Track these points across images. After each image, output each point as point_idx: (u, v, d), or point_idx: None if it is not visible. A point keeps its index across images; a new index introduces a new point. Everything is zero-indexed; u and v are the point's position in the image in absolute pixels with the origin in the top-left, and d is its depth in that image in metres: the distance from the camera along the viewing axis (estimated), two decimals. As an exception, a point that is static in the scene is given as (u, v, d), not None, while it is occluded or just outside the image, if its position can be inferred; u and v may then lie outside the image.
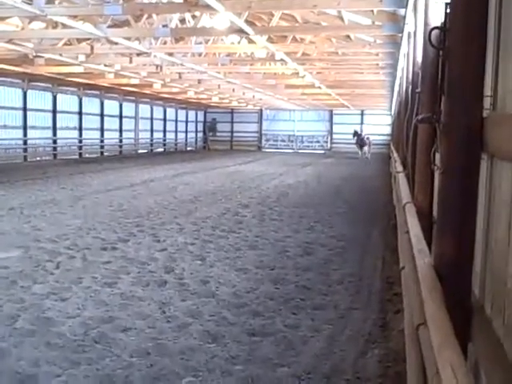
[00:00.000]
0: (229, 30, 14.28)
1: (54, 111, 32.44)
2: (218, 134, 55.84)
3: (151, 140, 45.83)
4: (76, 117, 34.76)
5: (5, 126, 28.79)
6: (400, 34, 12.85)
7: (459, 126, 2.92)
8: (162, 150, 47.61)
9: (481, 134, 2.82)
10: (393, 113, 34.48)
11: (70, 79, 27.40)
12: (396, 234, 8.45)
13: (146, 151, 44.31)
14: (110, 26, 15.11)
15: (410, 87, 9.40)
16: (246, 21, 13.53)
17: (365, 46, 17.25)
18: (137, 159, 35.12)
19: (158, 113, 46.74)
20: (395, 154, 17.34)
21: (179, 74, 24.77)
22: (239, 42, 19.56)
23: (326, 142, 52.32)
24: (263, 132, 54.69)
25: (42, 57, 19.45)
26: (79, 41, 18.62)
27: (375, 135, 48.78)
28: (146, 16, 16.07)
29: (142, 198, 16.01)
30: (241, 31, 13.72)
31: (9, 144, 29.39)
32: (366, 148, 42.36)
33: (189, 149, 52.50)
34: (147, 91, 34.15)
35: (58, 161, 31.47)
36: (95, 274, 7.50)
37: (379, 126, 49.18)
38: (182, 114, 51.59)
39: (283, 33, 17.20)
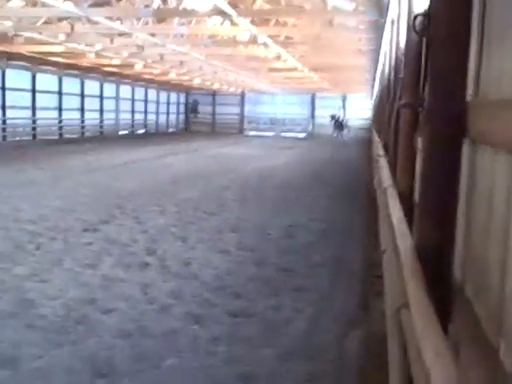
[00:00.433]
0: (212, 12, 14.19)
1: (34, 91, 31.97)
2: (199, 116, 55.52)
3: (132, 121, 45.45)
4: (56, 97, 34.28)
5: (-17, 106, 28.39)
6: (383, 20, 12.85)
7: (442, 111, 2.95)
8: (143, 131, 47.25)
9: (463, 120, 2.85)
10: (374, 97, 34.56)
11: (49, 58, 27.05)
12: (377, 217, 8.52)
13: (126, 132, 43.92)
14: (91, 5, 14.95)
15: (393, 72, 9.44)
16: (229, 3, 13.45)
17: (347, 30, 17.24)
18: (118, 140, 34.87)
19: (140, 94, 46.30)
20: (376, 138, 17.42)
21: (161, 55, 24.55)
22: (222, 24, 19.42)
23: (308, 126, 52.29)
24: (245, 115, 54.48)
25: (22, 35, 19.18)
26: (59, 19, 18.37)
27: (356, 119, 49.16)
28: (127, -5, 15.91)
29: (123, 179, 15.93)
30: (224, 13, 13.65)
31: (-13, 124, 28.99)
32: (345, 130, 43.31)
33: (170, 130, 52.17)
34: (128, 72, 33.85)
35: (37, 141, 31.10)
36: (76, 256, 7.48)
37: (361, 109, 49.25)
38: (163, 96, 51.16)
39: (266, 15, 17.14)
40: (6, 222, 9.46)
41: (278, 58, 23.54)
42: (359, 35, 17.87)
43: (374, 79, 29.48)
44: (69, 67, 32.30)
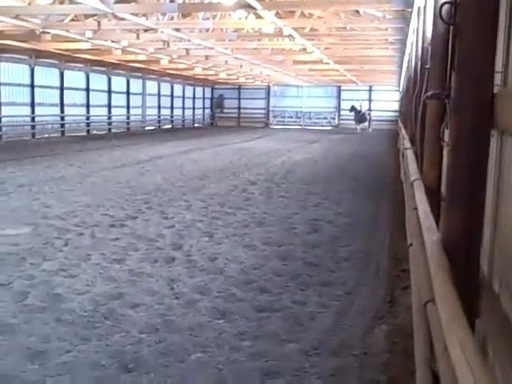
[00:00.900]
0: (236, 5, 14.16)
1: (62, 88, 32.32)
2: (225, 110, 55.62)
3: (158, 116, 45.72)
4: (83, 93, 34.63)
5: (13, 103, 28.72)
6: (410, 9, 12.69)
7: (469, 102, 2.89)
8: (169, 126, 47.50)
9: (491, 111, 2.79)
10: (401, 89, 34.22)
11: (77, 55, 27.30)
12: (404, 211, 8.43)
13: (153, 128, 44.24)
14: (116, 2, 15.01)
15: (419, 63, 9.31)
16: (254, -4, 13.40)
17: (374, 21, 17.07)
18: (144, 136, 35.10)
19: (165, 89, 46.55)
20: (403, 131, 17.25)
21: (186, 50, 24.61)
22: (247, 18, 19.37)
23: (334, 119, 52.00)
24: (271, 108, 54.40)
25: (49, 33, 19.35)
26: (86, 17, 18.51)
27: (383, 111, 48.80)
28: (153, -9, 15.96)
29: (149, 174, 16.03)
30: (248, 6, 13.60)
31: (17, 121, 29.36)
32: (366, 123, 42.97)
33: (196, 125, 52.39)
34: (154, 67, 34.05)
35: (65, 138, 31.47)
36: (104, 251, 7.54)
37: (387, 102, 48.85)
38: (189, 91, 51.37)
39: (291, 8, 17.02)
40: (35, 218, 9.59)
41: (304, 50, 23.46)
42: (385, 25, 17.68)
43: (400, 70, 29.20)
44: (95, 64, 32.62)
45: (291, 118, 53.51)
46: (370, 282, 6.50)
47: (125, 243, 8.01)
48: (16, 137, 28.79)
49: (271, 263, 7.19)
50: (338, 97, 52.12)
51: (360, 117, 44.21)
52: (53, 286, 6.08)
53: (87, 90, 34.84)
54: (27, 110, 29.76)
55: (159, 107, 45.56)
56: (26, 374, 4.08)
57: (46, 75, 31.16)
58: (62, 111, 32.46)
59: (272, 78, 42.62)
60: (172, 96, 47.76)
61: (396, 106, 45.69)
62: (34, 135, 30.09)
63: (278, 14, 17.04)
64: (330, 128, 49.93)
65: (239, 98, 54.88)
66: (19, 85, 29.12)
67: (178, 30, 19.21)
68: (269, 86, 53.46)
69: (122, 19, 16.72)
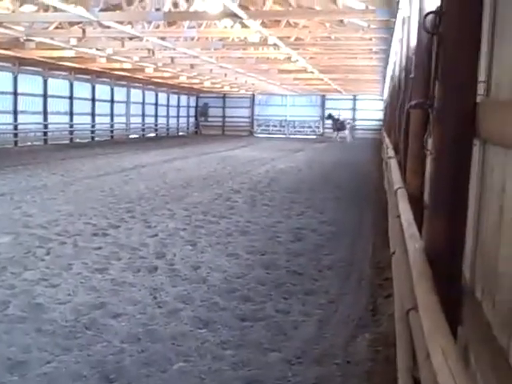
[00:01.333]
0: (222, 15, 14.18)
1: (45, 96, 32.14)
2: (209, 119, 55.61)
3: (143, 125, 45.58)
4: (67, 101, 34.45)
5: (-5, 111, 28.54)
6: (394, 19, 12.79)
7: (452, 111, 2.91)
8: (153, 135, 47.36)
9: (474, 120, 2.81)
10: (385, 98, 34.46)
11: (61, 63, 27.15)
12: (387, 219, 8.46)
13: (137, 136, 44.08)
14: (102, 10, 14.96)
15: (404, 73, 9.39)
16: (240, 5, 13.45)
17: (358, 30, 17.18)
18: (128, 144, 34.97)
19: (150, 97, 46.45)
20: (387, 140, 17.35)
21: (171, 58, 24.59)
22: (232, 27, 19.42)
23: (318, 127, 52.16)
24: (255, 117, 54.47)
25: (33, 40, 19.26)
26: (71, 24, 18.43)
27: (367, 120, 49.09)
28: (138, -1, 15.94)
29: (133, 183, 15.96)
30: (234, 15, 13.63)
31: (-1, 129, 29.16)
32: (346, 132, 43.24)
33: (180, 134, 52.27)
34: (139, 76, 33.95)
35: (48, 146, 31.25)
36: (86, 260, 7.47)
37: (371, 111, 49.16)
38: (173, 99, 51.32)
39: (277, 17, 17.12)
40: (16, 226, 9.49)
41: (289, 59, 23.55)
42: (370, 35, 17.80)
43: (384, 80, 29.40)
44: (80, 72, 32.45)
45: (275, 126, 53.61)
46: (352, 291, 6.50)
47: (107, 252, 7.95)
48: (-2, 145, 28.56)
49: (254, 272, 7.17)
50: (323, 106, 52.31)
51: (339, 125, 44.50)
52: (34, 295, 6.00)
53: (71, 98, 34.66)
54: (10, 118, 29.53)
55: (143, 115, 45.44)
56: (5, 385, 4.01)
57: (30, 83, 30.95)
58: (46, 119, 32.25)
59: (257, 86, 42.72)
60: (156, 104, 47.68)
61: (380, 115, 45.96)
62: (16, 143, 29.83)
63: (263, 24, 17.09)
64: (314, 137, 50.07)
65: (224, 107, 54.90)
66: (2, 92, 28.90)
67: (163, 38, 19.21)
68: (253, 95, 53.56)
69: (107, 27, 16.67)
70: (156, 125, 48.03)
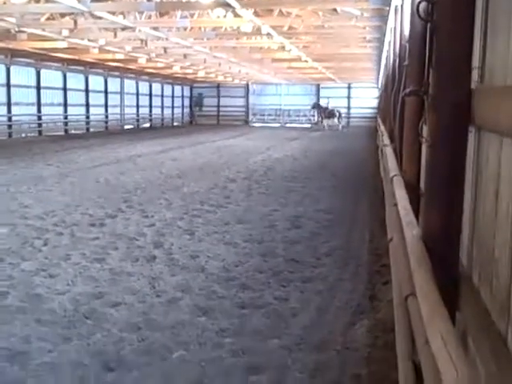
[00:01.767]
0: (214, 4, 14.14)
1: (39, 87, 32.02)
2: (204, 108, 55.51)
3: (137, 115, 45.49)
4: (61, 93, 34.34)
5: (-12, 103, 28.43)
6: (387, 7, 12.78)
7: (447, 98, 2.93)
8: (148, 125, 47.29)
9: (468, 107, 2.83)
10: (380, 86, 34.42)
11: (53, 54, 27.04)
12: (383, 207, 8.50)
13: (132, 127, 44.00)
14: (93, 0, 14.90)
15: (398, 60, 9.39)
16: (232, -6, 13.39)
17: (351, 19, 17.15)
18: (123, 135, 34.89)
19: (144, 88, 46.33)
20: (382, 127, 17.36)
21: (164, 48, 24.50)
22: (225, 16, 19.35)
23: (314, 116, 52.15)
24: (250, 106, 54.42)
25: (25, 32, 19.16)
26: (62, 15, 18.36)
27: (362, 108, 49.11)
28: (130, -11, 15.86)
29: (129, 173, 15.95)
30: (226, 5, 13.60)
31: (-7, 121, 29.03)
32: (335, 120, 43.28)
33: (175, 124, 52.19)
34: (132, 66, 33.82)
35: (43, 137, 31.17)
36: (84, 251, 7.49)
37: (366, 99, 49.16)
38: (168, 89, 51.19)
39: (269, 6, 17.05)
40: (13, 218, 9.49)
41: (282, 48, 23.50)
42: (363, 23, 17.77)
43: (379, 68, 29.37)
44: (73, 63, 32.32)
45: (271, 115, 53.59)
46: (350, 278, 6.54)
47: (105, 242, 7.97)
48: (-8, 137, 28.46)
49: (252, 260, 7.21)
50: (317, 94, 52.24)
51: (328, 113, 44.49)
52: (33, 286, 6.02)
53: (64, 89, 34.55)
54: (3, 110, 29.42)
55: (138, 106, 45.33)
56: (6, 376, 4.04)
57: (23, 74, 30.83)
58: (39, 111, 32.16)
59: (251, 76, 42.62)
60: (151, 95, 47.54)
61: (375, 103, 45.96)
62: (10, 135, 29.76)
63: (256, 13, 17.03)
64: (309, 125, 50.04)
65: (218, 97, 54.79)
66: (-6, 84, 28.78)
67: (155, 28, 19.15)
68: (248, 84, 53.44)
69: (99, 18, 16.61)
70: (150, 115, 47.91)
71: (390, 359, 3.74)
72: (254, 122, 53.19)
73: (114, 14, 16.66)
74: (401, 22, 8.66)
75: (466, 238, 3.08)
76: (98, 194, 12.06)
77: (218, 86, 54.07)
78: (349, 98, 50.80)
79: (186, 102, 55.87)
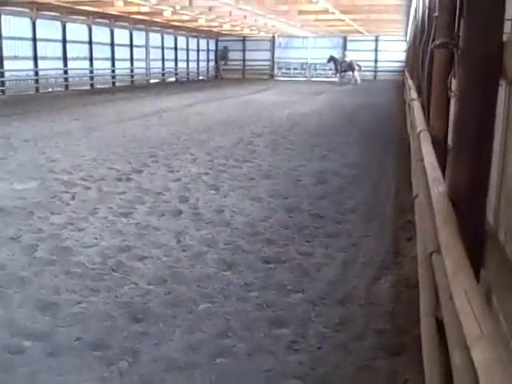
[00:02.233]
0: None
1: (64, 41, 31.97)
2: (229, 62, 55.01)
3: (163, 69, 45.30)
4: (86, 47, 34.25)
5: (15, 57, 28.47)
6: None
7: (478, 50, 2.85)
8: (173, 79, 47.12)
9: (500, 60, 2.75)
10: (408, 39, 33.68)
11: (78, 7, 26.89)
12: (410, 162, 8.42)
13: (157, 81, 43.89)
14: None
15: (427, 11, 9.14)
16: None
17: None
18: (149, 89, 34.83)
19: (169, 42, 45.96)
20: (410, 81, 17.06)
21: (189, 0, 24.19)
22: (250, -34, 19.01)
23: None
24: (276, 60, 53.77)
25: (50, -16, 19.06)
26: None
27: (390, 62, 48.21)
28: None
29: (154, 128, 15.98)
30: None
31: (20, 75, 29.14)
32: (356, 73, 42.53)
33: (200, 78, 51.89)
34: (158, 19, 33.51)
35: (69, 92, 31.31)
36: (111, 205, 7.59)
37: (394, 52, 48.20)
38: (193, 43, 50.72)
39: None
40: (41, 172, 9.62)
41: (309, 0, 23.02)
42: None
43: (408, 20, 28.69)
44: (98, 16, 32.12)
45: (296, 69, 52.89)
46: (375, 233, 6.54)
47: (131, 197, 8.05)
48: (20, 91, 28.64)
49: (277, 215, 7.23)
50: (344, 47, 51.32)
51: (346, 66, 43.70)
52: (61, 239, 6.13)
53: (90, 43, 34.42)
54: (30, 64, 29.50)
55: (163, 60, 45.07)
56: (38, 325, 4.16)
57: (48, 28, 30.76)
58: (66, 65, 32.18)
59: (277, 28, 41.95)
60: (176, 48, 47.16)
61: (403, 56, 45.07)
62: (37, 89, 29.92)
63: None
64: (336, 79, 49.34)
65: (244, 50, 54.16)
66: (21, 38, 28.77)
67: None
68: (273, 38, 52.66)
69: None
70: (176, 69, 47.65)
71: (414, 315, 3.76)
72: (280, 76, 52.60)
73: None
74: (432, -29, 8.39)
75: (493, 194, 3.05)
76: (124, 149, 12.13)
77: (244, 40, 53.39)
78: (376, 51, 49.83)
79: (212, 55, 55.36)
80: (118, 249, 5.85)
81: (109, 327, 4.14)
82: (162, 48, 44.80)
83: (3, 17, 27.18)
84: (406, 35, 39.46)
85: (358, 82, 42.43)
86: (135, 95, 29.27)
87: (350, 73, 43.42)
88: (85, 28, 33.89)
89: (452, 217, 2.76)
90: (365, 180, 9.41)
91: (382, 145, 13.33)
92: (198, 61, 51.96)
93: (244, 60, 54.33)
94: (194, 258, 5.62)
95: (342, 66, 43.72)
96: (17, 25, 28.46)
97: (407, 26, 31.62)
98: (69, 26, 32.10)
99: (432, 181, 3.62)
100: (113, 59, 37.14)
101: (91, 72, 34.92)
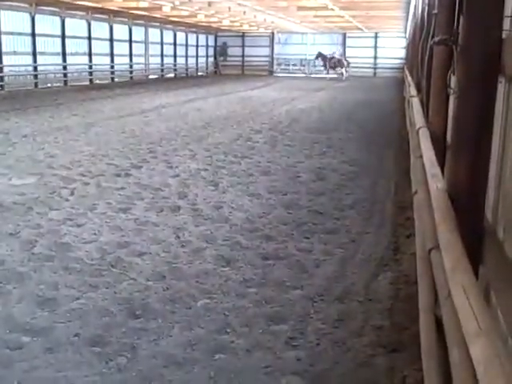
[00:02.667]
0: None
1: (63, 36, 31.89)
2: (228, 58, 54.95)
3: (162, 65, 45.23)
4: (85, 42, 34.18)
5: (14, 53, 28.41)
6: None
7: (477, 47, 2.85)
8: (172, 75, 47.05)
9: (499, 57, 2.75)
10: (408, 35, 33.65)
11: (78, 3, 26.83)
12: (409, 159, 8.42)
13: (156, 77, 43.82)
14: None
15: (427, 8, 9.14)
16: None
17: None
18: (148, 85, 34.76)
19: (168, 37, 45.88)
20: (409, 78, 17.05)
21: (189, -4, 24.16)
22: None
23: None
24: (275, 56, 53.72)
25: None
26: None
27: (389, 58, 48.19)
28: None
29: (153, 124, 15.97)
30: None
31: (19, 70, 29.09)
32: (343, 69, 42.95)
33: (200, 74, 51.81)
34: (157, 15, 33.44)
35: (68, 87, 31.26)
36: (109, 200, 7.58)
37: (394, 49, 48.16)
38: (192, 39, 50.64)
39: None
40: (40, 167, 9.61)
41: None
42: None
43: (407, 17, 28.66)
44: (97, 11, 32.04)
45: (295, 65, 52.83)
46: (374, 230, 6.54)
47: (130, 192, 8.05)
48: (19, 86, 28.58)
49: (276, 212, 7.23)
50: (344, 44, 51.30)
51: (336, 62, 44.06)
52: (60, 235, 6.13)
53: (89, 38, 34.35)
54: (29, 59, 29.45)
55: (162, 55, 45.00)
56: (37, 320, 4.16)
57: (47, 23, 30.68)
58: (65, 60, 32.12)
59: (276, 24, 41.89)
60: (175, 44, 47.08)
61: (402, 53, 45.05)
62: (36, 85, 29.86)
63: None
64: (335, 76, 49.29)
65: (243, 46, 54.11)
66: (20, 33, 28.71)
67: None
68: (273, 34, 52.61)
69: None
70: (175, 65, 47.59)
71: (413, 311, 3.77)
72: (279, 72, 52.54)
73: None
74: (431, -33, 8.38)
75: (491, 191, 3.05)
76: (123, 145, 12.12)
77: (243, 35, 53.33)
78: (375, 47, 49.80)
79: (211, 51, 55.28)
80: (117, 244, 5.85)
81: (107, 323, 4.14)
82: (161, 44, 44.73)
83: (2, 12, 27.12)
84: (405, 32, 39.42)
85: (344, 76, 42.72)
86: (134, 91, 29.23)
87: (342, 69, 43.85)
88: (84, 23, 33.82)
89: (451, 213, 2.77)
90: (364, 177, 9.41)
91: (382, 141, 13.33)
92: (197, 56, 51.89)
93: (243, 56, 54.27)
94: (192, 254, 5.61)
95: (332, 62, 44.02)
96: (16, 20, 28.38)
97: (407, 22, 31.59)
98: (68, 21, 32.02)
99: (431, 177, 3.63)
100: (112, 55, 37.08)
101: (90, 67, 34.87)
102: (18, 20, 28.56)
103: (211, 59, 55.34)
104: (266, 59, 53.90)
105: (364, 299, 4.59)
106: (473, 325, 1.73)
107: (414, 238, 5.34)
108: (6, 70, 27.78)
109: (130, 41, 39.62)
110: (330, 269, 5.31)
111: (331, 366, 3.61)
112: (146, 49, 42.22)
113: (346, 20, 34.93)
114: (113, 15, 34.89)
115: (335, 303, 4.52)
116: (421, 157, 4.87)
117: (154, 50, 43.51)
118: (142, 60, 41.84)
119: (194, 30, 48.38)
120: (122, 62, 38.63)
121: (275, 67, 53.63)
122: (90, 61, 34.66)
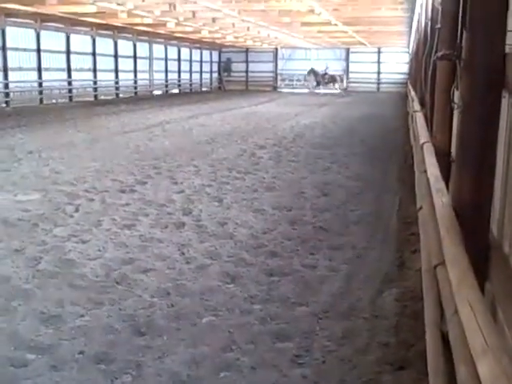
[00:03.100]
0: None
1: (68, 52, 32.11)
2: (232, 74, 55.19)
3: (166, 81, 45.46)
4: (90, 58, 34.41)
5: (20, 69, 28.60)
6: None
7: (480, 62, 2.86)
8: (176, 91, 47.28)
9: (503, 71, 2.76)
10: (411, 50, 33.76)
11: (82, 19, 27.04)
12: (413, 174, 8.41)
13: (160, 92, 44.04)
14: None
15: (430, 23, 9.17)
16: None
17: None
18: (152, 101, 34.92)
19: (173, 53, 46.16)
20: (413, 93, 17.08)
21: (193, 12, 24.30)
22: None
23: (343, 82, 51.47)
24: (279, 72, 53.93)
25: (54, -4, 19.18)
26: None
27: (392, 73, 48.37)
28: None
29: (158, 139, 16.01)
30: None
31: (24, 86, 29.26)
32: (337, 85, 43.49)
33: (204, 89, 52.06)
34: (161, 31, 33.66)
35: (73, 103, 31.43)
36: (114, 217, 7.58)
37: (396, 64, 48.34)
38: (196, 54, 50.90)
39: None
40: (45, 183, 9.63)
41: (311, 11, 23.09)
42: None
43: (410, 32, 28.77)
44: (102, 28, 32.28)
45: (299, 81, 52.96)
46: (379, 246, 6.52)
47: (135, 208, 8.05)
48: (24, 103, 28.73)
49: (281, 227, 7.22)
50: (347, 59, 51.50)
51: (328, 79, 44.71)
52: (65, 251, 6.13)
53: (94, 54, 34.57)
54: (34, 75, 29.62)
55: (166, 71, 45.23)
56: (42, 338, 4.15)
57: (52, 39, 30.89)
58: (69, 76, 32.32)
59: (280, 40, 42.09)
60: (179, 60, 47.35)
61: (406, 68, 45.18)
62: (41, 101, 30.01)
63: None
64: (338, 91, 49.45)
65: (247, 61, 54.36)
66: (25, 49, 28.91)
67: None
68: (276, 49, 52.86)
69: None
70: (179, 81, 47.82)
71: (419, 328, 3.74)
72: (283, 88, 52.72)
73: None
74: (434, -17, 8.42)
75: (497, 206, 3.04)
76: (128, 161, 12.15)
77: (247, 51, 53.58)
78: (379, 62, 49.97)
79: (215, 67, 55.54)
80: (122, 261, 5.84)
81: (112, 340, 4.13)
82: (166, 59, 44.98)
83: (8, 28, 27.34)
84: (408, 47, 39.56)
85: (338, 91, 43.91)
86: (138, 107, 29.36)
87: (335, 84, 44.56)
88: (89, 39, 34.05)
89: (456, 228, 2.76)
90: (368, 192, 9.40)
91: (385, 157, 13.32)
92: (201, 72, 52.15)
93: (247, 71, 54.51)
94: (197, 271, 5.60)
95: (325, 78, 44.72)
96: (21, 36, 28.61)
97: (410, 37, 31.69)
98: (73, 37, 32.26)
99: (436, 192, 3.62)
100: (116, 71, 37.30)
101: (95, 83, 35.07)
102: (24, 36, 28.79)
103: (215, 75, 55.58)
104: (270, 75, 54.13)
105: (370, 316, 4.56)
106: (479, 341, 1.71)
107: (419, 254, 5.31)
108: (11, 85, 27.94)
109: (135, 57, 39.87)
110: (336, 285, 5.28)
111: (337, 384, 3.58)
112: (151, 64, 42.46)
113: (350, 35, 35.07)
114: (117, 31, 35.13)
115: (341, 320, 4.49)
116: (425, 171, 4.86)
117: (159, 65, 43.77)
118: (146, 76, 42.07)
119: (198, 45, 48.65)
120: (126, 77, 38.87)
121: (279, 83, 53.84)
122: (95, 77, 34.86)
